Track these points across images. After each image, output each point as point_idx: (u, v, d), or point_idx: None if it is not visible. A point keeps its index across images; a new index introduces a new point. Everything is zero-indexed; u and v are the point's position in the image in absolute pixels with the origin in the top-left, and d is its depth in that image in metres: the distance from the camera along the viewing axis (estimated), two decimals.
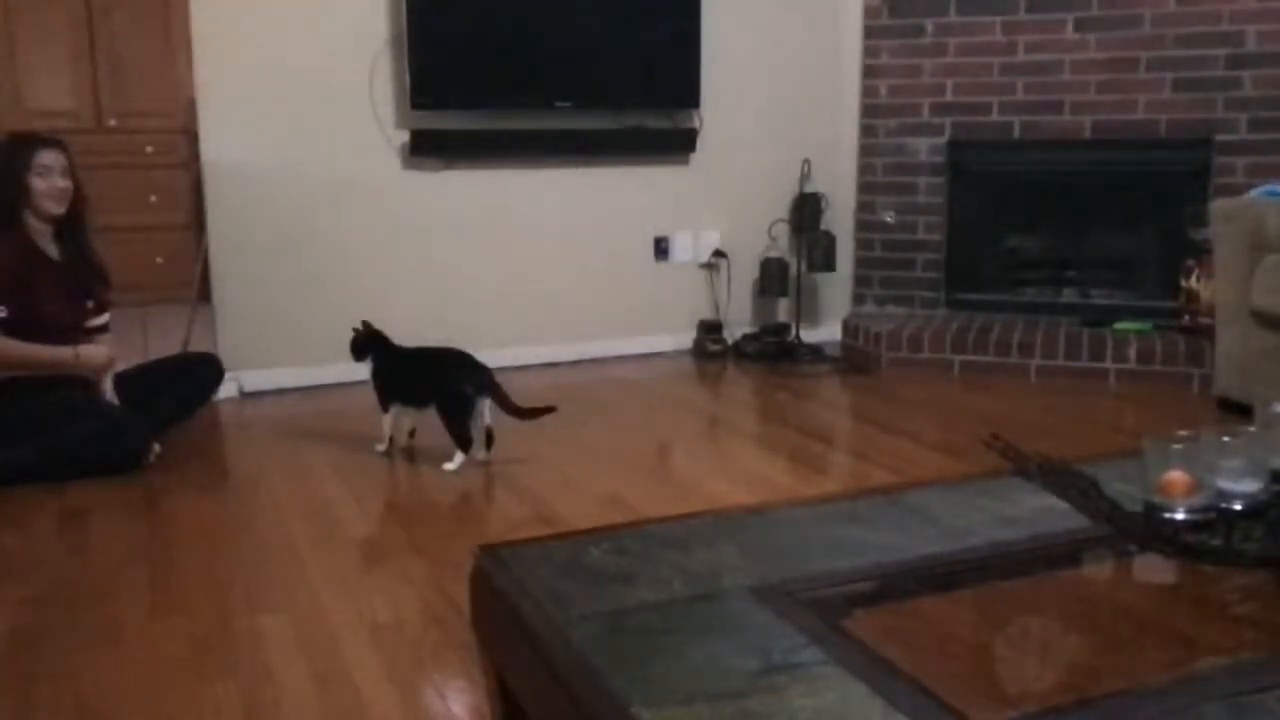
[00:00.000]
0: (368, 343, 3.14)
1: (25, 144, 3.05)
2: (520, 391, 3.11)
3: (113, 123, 5.51)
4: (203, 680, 1.88)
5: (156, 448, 3.08)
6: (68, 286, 3.08)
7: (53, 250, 3.11)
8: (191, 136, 4.63)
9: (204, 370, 3.51)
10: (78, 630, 2.08)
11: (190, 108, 4.32)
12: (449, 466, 2.98)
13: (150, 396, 3.25)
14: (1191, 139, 4.10)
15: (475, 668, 1.80)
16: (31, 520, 2.69)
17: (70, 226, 3.12)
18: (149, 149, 5.55)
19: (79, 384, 3.10)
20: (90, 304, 3.17)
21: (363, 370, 3.21)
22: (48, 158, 3.01)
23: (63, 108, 5.48)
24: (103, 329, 3.26)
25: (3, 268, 2.96)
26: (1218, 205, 3.64)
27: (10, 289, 2.95)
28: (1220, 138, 4.06)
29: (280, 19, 3.77)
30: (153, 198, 5.37)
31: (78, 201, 3.11)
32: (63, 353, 2.99)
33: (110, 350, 3.13)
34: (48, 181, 3.00)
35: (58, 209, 3.04)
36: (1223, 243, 3.52)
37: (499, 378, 3.05)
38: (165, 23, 5.50)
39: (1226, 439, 1.56)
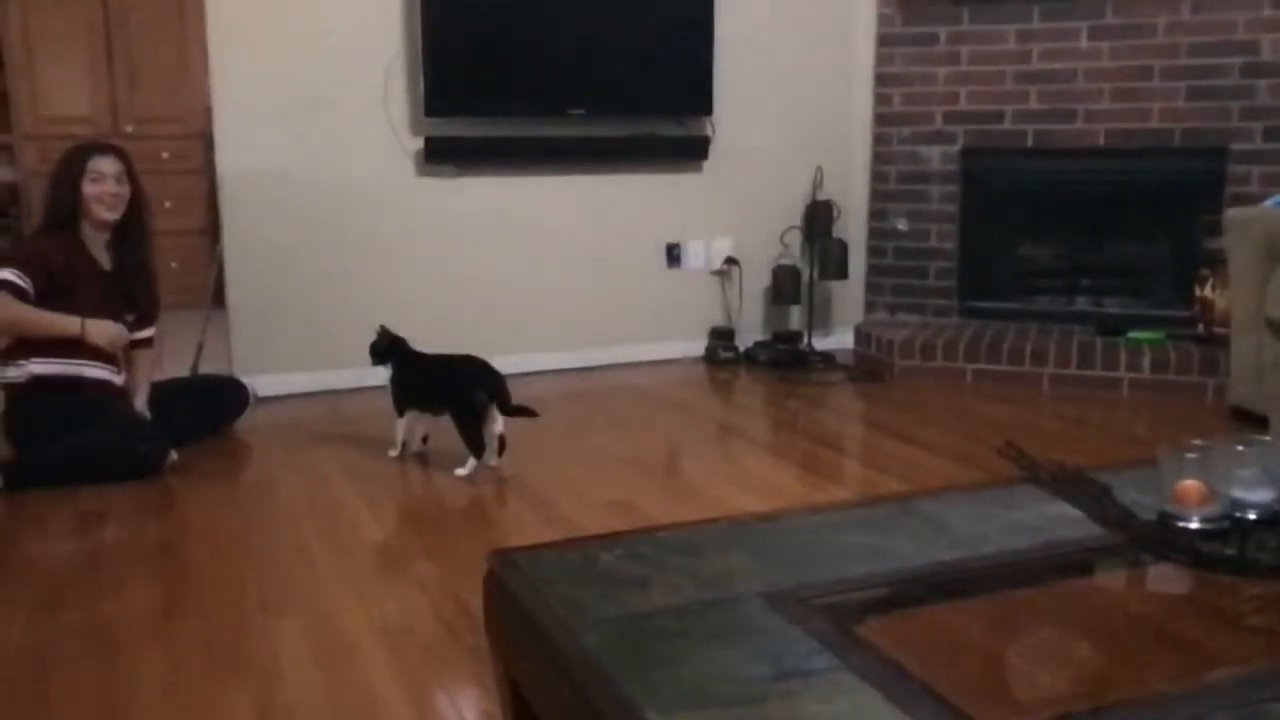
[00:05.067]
0: (388, 348, 3.15)
1: (82, 150, 3.09)
2: (531, 397, 3.12)
3: (129, 129, 5.55)
4: (215, 683, 1.89)
5: (173, 455, 3.09)
6: (111, 297, 3.08)
7: (105, 258, 3.13)
8: (207, 142, 4.67)
9: (230, 395, 3.53)
10: (92, 632, 2.09)
11: (206, 114, 4.35)
12: (461, 472, 2.99)
13: (173, 410, 3.27)
14: (1206, 148, 4.09)
15: (487, 672, 1.80)
16: (49, 523, 2.70)
17: (125, 236, 3.14)
18: (165, 155, 5.59)
19: (111, 392, 3.12)
20: (131, 317, 3.17)
21: (376, 375, 3.22)
22: (102, 163, 3.05)
23: (80, 114, 5.53)
24: (146, 343, 3.28)
25: (42, 255, 2.99)
26: (1232, 214, 3.63)
27: (41, 275, 2.95)
28: (1235, 147, 4.05)
29: (296, 26, 3.79)
30: (168, 203, 5.41)
31: (135, 210, 3.13)
32: (70, 322, 2.96)
33: (119, 328, 3.07)
34: (99, 187, 3.03)
35: (110, 215, 3.07)
36: (1237, 252, 3.51)
37: (512, 383, 3.06)
38: (182, 30, 5.54)
39: (1241, 448, 1.56)
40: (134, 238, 3.16)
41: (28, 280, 2.92)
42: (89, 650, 2.02)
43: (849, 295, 4.72)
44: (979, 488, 1.82)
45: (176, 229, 5.46)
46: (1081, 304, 4.44)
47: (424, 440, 3.22)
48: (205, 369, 3.83)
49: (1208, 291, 3.95)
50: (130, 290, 3.14)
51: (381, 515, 2.77)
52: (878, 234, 4.64)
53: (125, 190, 3.09)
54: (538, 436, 3.31)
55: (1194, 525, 1.48)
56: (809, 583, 1.38)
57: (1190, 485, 1.50)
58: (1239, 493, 1.50)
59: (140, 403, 3.24)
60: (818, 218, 4.51)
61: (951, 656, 1.22)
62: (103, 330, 3.01)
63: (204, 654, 2.00)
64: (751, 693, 1.11)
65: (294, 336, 3.93)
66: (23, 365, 3.02)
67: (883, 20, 4.47)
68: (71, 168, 3.04)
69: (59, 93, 5.53)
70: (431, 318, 3.84)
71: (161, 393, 3.33)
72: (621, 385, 4.14)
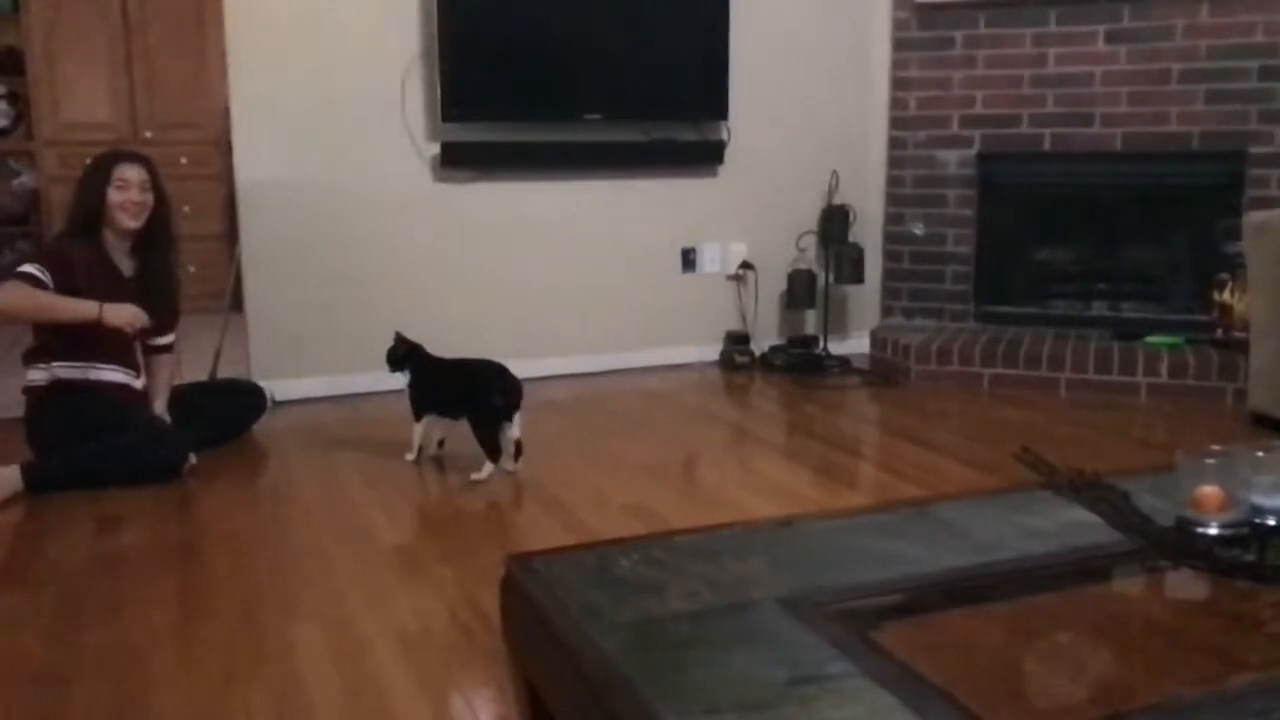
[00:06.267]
0: (405, 354, 3.16)
1: (109, 157, 3.12)
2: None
3: (148, 134, 5.59)
4: (234, 687, 1.90)
5: (192, 459, 3.11)
6: (131, 303, 3.09)
7: (127, 266, 3.15)
8: (225, 148, 4.69)
9: (248, 399, 3.55)
10: (111, 636, 2.10)
11: (224, 120, 4.38)
12: (477, 476, 2.99)
13: (192, 414, 3.30)
14: (1224, 151, 4.07)
15: (503, 676, 1.81)
16: (69, 526, 2.72)
17: (149, 244, 3.16)
18: (183, 160, 5.63)
19: (130, 396, 3.15)
20: (151, 323, 3.20)
21: (393, 379, 3.24)
22: (127, 171, 3.07)
23: (100, 120, 5.58)
24: (165, 348, 3.31)
25: (64, 258, 3.00)
26: (1251, 218, 3.61)
27: (63, 275, 2.96)
28: (1253, 150, 4.02)
29: (313, 33, 3.81)
30: (186, 208, 5.44)
31: (158, 218, 3.15)
32: (87, 305, 2.95)
33: (136, 309, 3.04)
34: (124, 195, 3.06)
35: (133, 223, 3.09)
36: (1256, 256, 3.49)
37: (527, 387, 3.07)
38: (200, 37, 5.58)
39: (1260, 454, 1.55)
40: (157, 245, 3.19)
41: (48, 275, 2.95)
42: (107, 651, 2.03)
43: (865, 299, 4.71)
44: (996, 493, 1.81)
45: (195, 234, 5.48)
46: (1099, 308, 4.42)
47: (440, 444, 3.23)
48: (223, 373, 3.85)
49: (1226, 296, 3.93)
50: (151, 297, 3.16)
51: (398, 519, 2.78)
52: (894, 238, 4.63)
53: (149, 199, 3.11)
54: (554, 441, 3.32)
55: (1213, 531, 1.48)
56: (825, 588, 1.38)
57: (1209, 491, 1.50)
58: (1258, 499, 1.50)
59: (160, 407, 3.27)
60: (833, 222, 4.51)
61: (969, 662, 1.22)
62: (119, 312, 3.00)
63: (222, 656, 2.01)
64: (767, 698, 1.11)
65: (311, 341, 3.95)
66: (44, 369, 3.05)
67: (898, 24, 4.47)
68: (98, 174, 3.07)
69: (79, 99, 5.57)
70: (447, 322, 3.85)
71: (180, 397, 3.35)
72: (637, 390, 4.15)
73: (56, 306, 2.95)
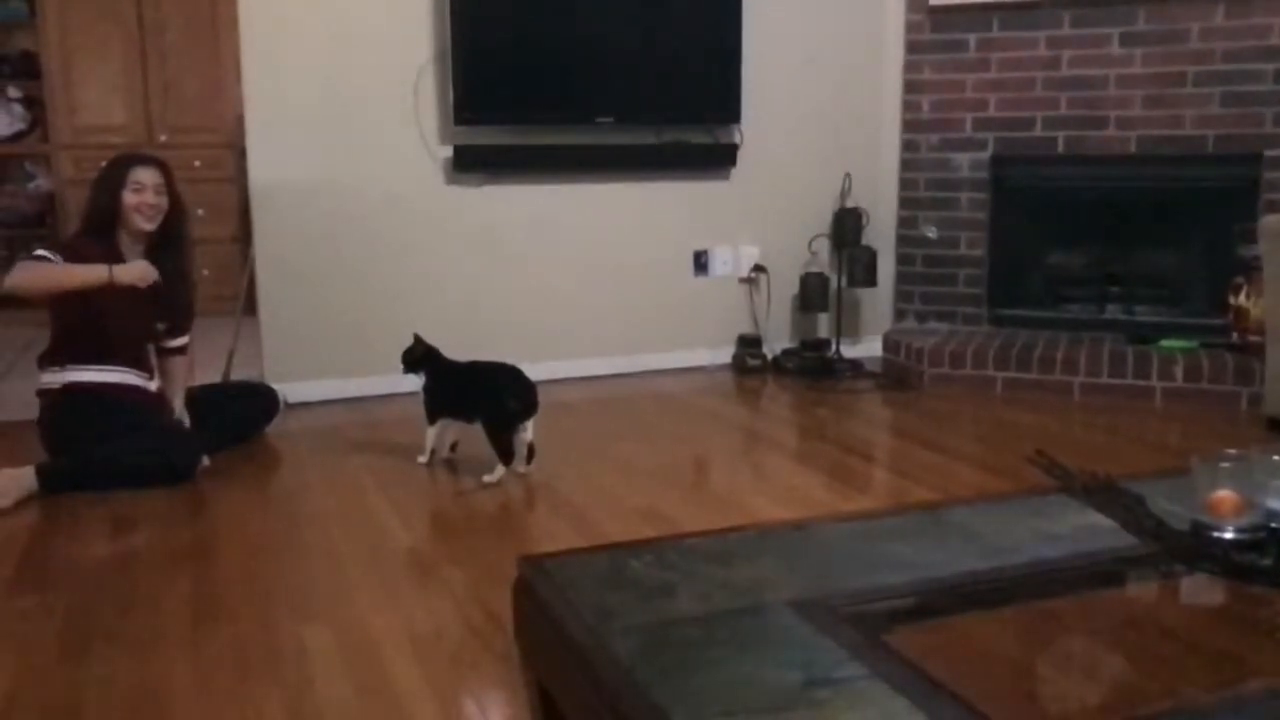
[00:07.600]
0: (421, 357, 3.17)
1: (124, 160, 3.15)
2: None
3: (163, 138, 5.62)
4: (245, 687, 1.91)
5: (205, 461, 3.12)
6: (144, 304, 3.09)
7: None
8: (239, 152, 4.72)
9: (261, 401, 3.57)
10: (124, 637, 2.11)
11: (238, 124, 4.40)
12: (489, 478, 3.00)
13: (205, 417, 3.32)
14: (1240, 154, 4.04)
15: (515, 678, 1.81)
16: (82, 528, 2.74)
17: (163, 246, 3.17)
18: (197, 163, 5.65)
19: (144, 398, 3.16)
20: (164, 326, 3.22)
21: (406, 381, 3.24)
22: (143, 174, 3.09)
23: (115, 123, 5.61)
24: (179, 350, 3.33)
25: (79, 253, 3.01)
26: (1267, 221, 3.59)
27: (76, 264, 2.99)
28: (1269, 153, 4.00)
29: (327, 36, 3.83)
30: (200, 211, 5.47)
31: (172, 221, 3.17)
32: (97, 270, 2.95)
33: (146, 265, 3.04)
34: (139, 197, 3.08)
35: (148, 225, 3.11)
36: (1272, 259, 3.47)
37: (540, 390, 3.07)
38: (215, 41, 5.61)
39: (1276, 458, 1.54)
40: (171, 248, 3.20)
41: (60, 259, 2.97)
42: (120, 653, 2.04)
43: (878, 303, 4.70)
44: (1010, 497, 1.81)
45: (209, 237, 5.52)
46: (1113, 312, 4.39)
47: (453, 447, 3.24)
48: (237, 375, 3.87)
49: (1242, 299, 3.90)
50: (164, 299, 3.18)
51: (411, 521, 2.78)
52: (906, 241, 4.62)
53: (163, 202, 3.13)
54: (566, 443, 3.32)
55: (1228, 536, 1.47)
56: (838, 591, 1.38)
57: (1224, 495, 1.49)
58: (1274, 503, 1.49)
59: (176, 409, 3.28)
60: (846, 225, 4.50)
61: (982, 666, 1.22)
62: (129, 270, 3.00)
63: (234, 658, 2.02)
64: (780, 701, 1.11)
65: (324, 343, 3.96)
66: (57, 371, 3.07)
67: (911, 27, 4.46)
68: (113, 177, 3.10)
69: (95, 103, 5.60)
70: (459, 325, 3.86)
71: (194, 399, 3.37)
72: (649, 393, 4.15)
73: (68, 274, 2.96)
